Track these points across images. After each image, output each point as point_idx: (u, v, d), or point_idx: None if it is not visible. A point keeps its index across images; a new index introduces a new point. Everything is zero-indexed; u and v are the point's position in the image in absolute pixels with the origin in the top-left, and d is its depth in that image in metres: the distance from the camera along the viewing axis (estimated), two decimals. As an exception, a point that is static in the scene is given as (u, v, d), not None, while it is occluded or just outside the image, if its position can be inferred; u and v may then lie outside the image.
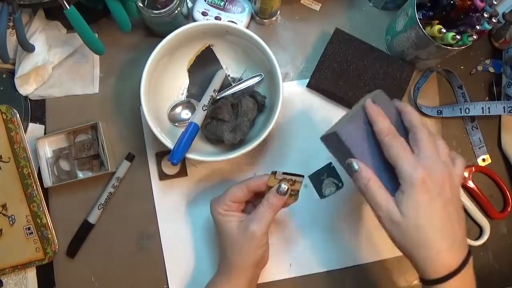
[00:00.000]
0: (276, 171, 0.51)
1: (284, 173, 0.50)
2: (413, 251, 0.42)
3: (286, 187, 0.49)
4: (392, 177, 0.44)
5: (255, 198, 0.54)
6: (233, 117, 0.59)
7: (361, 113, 0.46)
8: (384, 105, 0.47)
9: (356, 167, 0.44)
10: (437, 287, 0.41)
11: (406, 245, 0.42)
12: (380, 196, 0.42)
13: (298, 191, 0.52)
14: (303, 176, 0.51)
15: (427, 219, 0.41)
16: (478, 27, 0.53)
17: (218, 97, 0.61)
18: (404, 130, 0.46)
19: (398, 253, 0.61)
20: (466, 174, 0.63)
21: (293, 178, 0.51)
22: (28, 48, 0.59)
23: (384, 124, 0.44)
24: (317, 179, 0.58)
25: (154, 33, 0.64)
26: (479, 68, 0.66)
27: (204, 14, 0.64)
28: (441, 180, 0.41)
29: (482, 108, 0.62)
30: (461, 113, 0.63)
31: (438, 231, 0.41)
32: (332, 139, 0.47)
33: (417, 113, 0.46)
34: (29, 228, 0.59)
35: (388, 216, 0.42)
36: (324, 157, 0.62)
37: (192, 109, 0.62)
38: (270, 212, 0.49)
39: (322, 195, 0.59)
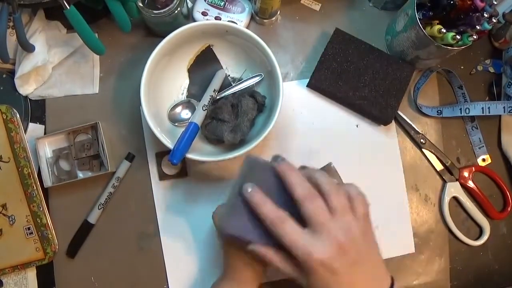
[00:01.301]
0: None
1: None
2: None
3: None
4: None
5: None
6: (233, 117, 0.59)
7: (240, 201, 0.42)
8: (258, 172, 0.43)
9: (256, 250, 0.41)
10: None
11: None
12: (285, 265, 0.40)
13: None
14: None
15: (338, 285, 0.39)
16: (478, 27, 0.53)
17: (218, 97, 0.61)
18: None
19: (398, 253, 0.62)
20: (466, 174, 0.63)
21: None
22: (28, 48, 0.59)
23: (268, 210, 0.40)
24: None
25: (154, 33, 0.64)
26: (479, 68, 0.66)
27: (204, 14, 0.64)
28: (341, 249, 0.38)
29: (482, 108, 0.62)
30: (461, 113, 0.63)
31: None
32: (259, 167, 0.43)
33: (298, 175, 0.41)
34: (29, 228, 0.59)
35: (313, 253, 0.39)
36: (324, 157, 0.63)
37: (192, 109, 0.62)
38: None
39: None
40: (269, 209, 0.40)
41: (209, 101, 0.59)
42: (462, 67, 0.66)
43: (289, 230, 0.39)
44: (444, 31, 0.53)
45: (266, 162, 0.43)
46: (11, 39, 0.61)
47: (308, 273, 0.39)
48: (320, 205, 0.40)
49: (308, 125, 0.64)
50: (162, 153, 0.62)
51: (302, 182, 0.40)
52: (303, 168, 0.45)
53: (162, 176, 0.62)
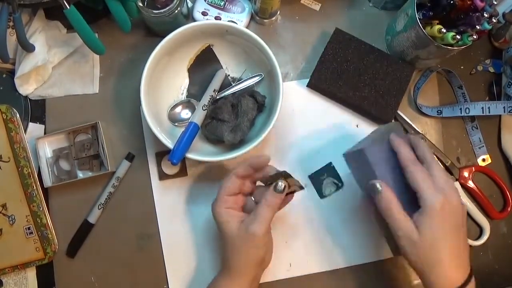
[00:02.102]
0: (275, 170, 0.51)
1: (283, 172, 0.50)
2: (425, 268, 0.45)
3: (283, 185, 0.49)
4: (409, 200, 0.47)
5: (253, 188, 0.54)
6: (233, 117, 0.59)
7: (384, 139, 0.50)
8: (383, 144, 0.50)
9: (379, 188, 0.47)
10: None
11: (420, 262, 0.45)
12: (400, 217, 0.46)
13: (294, 191, 0.52)
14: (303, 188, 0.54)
15: (442, 240, 0.45)
16: (478, 27, 0.53)
17: (218, 97, 0.61)
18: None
19: (398, 253, 0.61)
20: (466, 174, 0.63)
21: (289, 179, 0.50)
22: (28, 48, 0.59)
23: (408, 153, 0.48)
24: (317, 179, 0.59)
25: (154, 33, 0.64)
26: (479, 68, 0.66)
27: (204, 14, 0.64)
28: (455, 208, 0.46)
29: (482, 108, 0.62)
30: (461, 113, 0.63)
31: (449, 252, 0.45)
32: (356, 157, 0.50)
33: (429, 148, 0.49)
34: (29, 228, 0.59)
35: (407, 235, 0.45)
36: (324, 157, 0.63)
37: (192, 109, 0.62)
38: (268, 211, 0.49)
39: (322, 195, 0.59)
40: (408, 151, 0.48)
41: (209, 101, 0.59)
42: (462, 67, 0.66)
43: (422, 172, 0.46)
44: (444, 31, 0.53)
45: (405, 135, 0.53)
46: (11, 39, 0.61)
47: (428, 212, 0.44)
48: (446, 177, 0.47)
49: (308, 125, 0.64)
50: (162, 153, 0.62)
51: (408, 152, 0.48)
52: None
53: (162, 176, 0.62)
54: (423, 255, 0.45)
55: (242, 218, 0.50)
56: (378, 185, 0.47)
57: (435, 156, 0.62)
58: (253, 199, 0.54)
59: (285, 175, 0.50)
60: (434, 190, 0.45)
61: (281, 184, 0.49)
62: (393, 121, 0.61)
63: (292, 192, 0.52)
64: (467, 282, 0.45)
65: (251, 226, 0.48)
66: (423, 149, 0.49)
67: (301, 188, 0.53)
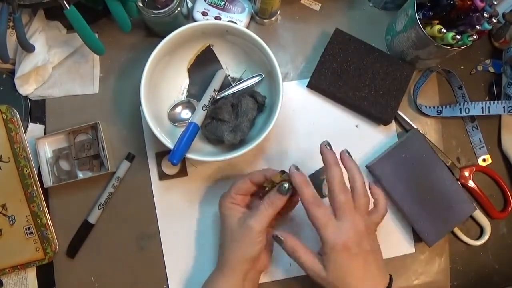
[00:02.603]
0: (284, 171, 0.51)
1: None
2: None
3: (287, 187, 0.49)
4: (423, 206, 0.58)
5: (261, 192, 0.55)
6: (233, 117, 0.59)
7: (394, 152, 0.60)
8: (417, 147, 0.60)
9: (281, 238, 0.49)
10: None
11: None
12: (307, 258, 0.48)
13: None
14: None
15: (349, 273, 0.47)
16: (478, 27, 0.53)
17: (218, 97, 0.61)
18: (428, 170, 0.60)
19: (398, 253, 0.62)
20: (466, 174, 0.63)
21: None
22: (28, 48, 0.59)
23: (308, 194, 0.48)
24: (317, 179, 0.59)
25: (154, 33, 0.64)
26: (479, 68, 0.66)
27: (204, 14, 0.64)
28: (359, 239, 0.47)
29: (482, 108, 0.62)
30: (461, 113, 0.63)
31: (359, 280, 0.47)
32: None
33: (338, 170, 0.49)
34: (29, 228, 0.59)
35: (315, 274, 0.48)
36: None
37: (192, 109, 0.62)
38: (269, 209, 0.50)
39: (321, 195, 0.60)
40: (309, 192, 0.48)
41: (209, 101, 0.59)
42: (462, 67, 0.66)
43: (323, 213, 0.47)
44: (444, 31, 0.53)
45: (428, 147, 0.61)
46: (11, 39, 0.61)
47: (330, 253, 0.46)
48: (349, 199, 0.48)
49: (308, 125, 0.64)
50: (162, 153, 0.62)
51: (340, 177, 0.49)
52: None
53: (162, 176, 0.62)
54: (326, 284, 0.47)
55: (243, 214, 0.52)
56: (279, 236, 0.49)
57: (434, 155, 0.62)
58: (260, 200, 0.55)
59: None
60: (334, 231, 0.46)
61: (285, 186, 0.50)
62: (414, 127, 0.63)
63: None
64: None
65: (249, 220, 0.50)
66: (330, 174, 0.49)
67: None
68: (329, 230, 0.46)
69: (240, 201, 0.54)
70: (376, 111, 0.61)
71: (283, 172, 0.51)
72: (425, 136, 0.62)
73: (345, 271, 0.46)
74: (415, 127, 0.64)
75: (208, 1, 0.64)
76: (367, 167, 0.61)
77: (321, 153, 0.50)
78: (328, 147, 0.50)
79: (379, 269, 0.48)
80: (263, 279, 0.60)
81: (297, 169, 0.49)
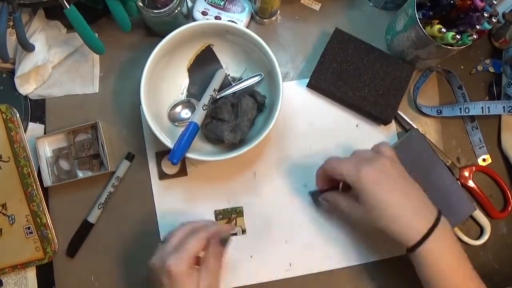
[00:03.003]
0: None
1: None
2: (388, 229, 0.48)
3: (228, 239, 0.55)
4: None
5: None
6: (233, 116, 0.59)
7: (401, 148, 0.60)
8: (417, 146, 0.61)
9: (323, 202, 0.56)
10: (418, 252, 0.47)
11: (381, 227, 0.48)
12: (344, 204, 0.52)
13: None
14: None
15: (384, 202, 0.47)
16: (478, 27, 0.53)
17: (218, 97, 0.61)
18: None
19: (398, 253, 0.62)
20: (466, 174, 0.63)
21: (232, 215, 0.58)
22: (28, 48, 0.59)
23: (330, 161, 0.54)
24: (317, 195, 0.60)
25: (154, 33, 0.64)
26: (479, 68, 0.66)
27: (204, 13, 0.64)
28: (380, 167, 0.49)
29: (482, 107, 0.62)
30: (460, 112, 0.63)
31: (397, 207, 0.47)
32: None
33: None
34: (29, 228, 0.59)
35: (357, 216, 0.50)
36: (324, 156, 0.62)
37: (192, 109, 0.62)
38: (216, 263, 0.49)
39: (318, 207, 0.61)
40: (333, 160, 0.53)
41: (209, 100, 0.59)
42: (462, 67, 0.66)
43: (336, 161, 0.52)
44: (444, 30, 0.53)
45: (428, 146, 0.61)
46: (11, 39, 0.61)
47: (357, 187, 0.48)
48: (360, 151, 0.54)
49: (308, 125, 0.64)
50: (162, 153, 0.62)
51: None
52: None
53: (162, 176, 0.62)
54: (380, 221, 0.48)
55: (198, 276, 0.47)
56: (322, 201, 0.56)
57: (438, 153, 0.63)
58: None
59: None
60: (352, 169, 0.49)
61: (227, 238, 0.54)
62: (414, 127, 0.64)
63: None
64: (433, 226, 0.47)
65: (168, 258, 0.45)
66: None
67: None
68: (346, 165, 0.50)
69: (194, 260, 0.48)
70: (376, 111, 0.61)
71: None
72: (425, 136, 0.62)
73: (380, 200, 0.47)
74: (415, 127, 0.64)
75: (208, 1, 0.64)
76: None
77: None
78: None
79: (417, 195, 0.49)
80: (264, 279, 0.60)
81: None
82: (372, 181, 0.48)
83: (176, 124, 0.61)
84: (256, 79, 0.61)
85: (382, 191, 0.48)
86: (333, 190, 0.56)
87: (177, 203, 0.62)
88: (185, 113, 0.62)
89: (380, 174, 0.48)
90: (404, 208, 0.47)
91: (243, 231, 0.61)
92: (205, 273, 0.47)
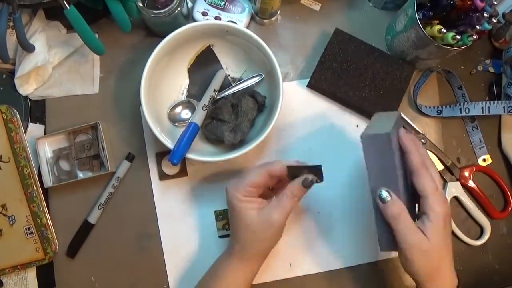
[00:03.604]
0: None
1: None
2: (430, 277, 0.46)
3: (312, 180, 0.49)
4: (409, 199, 0.48)
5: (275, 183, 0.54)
6: (233, 117, 0.59)
7: (396, 126, 0.48)
8: (396, 129, 0.49)
9: (388, 198, 0.46)
10: None
11: (425, 271, 0.46)
12: (410, 226, 0.45)
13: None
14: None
15: (446, 247, 0.46)
16: (478, 27, 0.53)
17: (218, 97, 0.61)
18: (400, 151, 0.48)
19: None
20: (467, 174, 0.63)
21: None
22: (28, 48, 0.59)
23: (419, 156, 0.46)
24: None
25: (154, 33, 0.64)
26: (479, 68, 0.66)
27: (204, 14, 0.64)
28: (449, 215, 0.47)
29: (482, 108, 0.62)
30: (461, 112, 0.63)
31: (449, 259, 0.47)
32: (376, 141, 0.46)
33: (417, 148, 0.48)
34: (29, 228, 0.59)
35: (418, 244, 0.45)
36: (324, 156, 0.62)
37: (192, 109, 0.62)
38: (292, 202, 0.49)
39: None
40: (420, 156, 0.46)
41: (209, 101, 0.59)
42: (462, 67, 0.66)
43: (431, 179, 0.46)
44: (444, 31, 0.53)
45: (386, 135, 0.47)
46: (11, 39, 0.61)
47: (436, 221, 0.45)
48: (440, 183, 0.48)
49: (308, 125, 0.64)
50: (162, 153, 0.62)
51: (420, 154, 0.47)
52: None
53: (162, 176, 0.62)
54: (430, 262, 0.45)
55: (261, 205, 0.51)
56: (385, 195, 0.46)
57: (434, 156, 0.63)
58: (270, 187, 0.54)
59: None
60: (440, 198, 0.46)
61: (310, 179, 0.49)
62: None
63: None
64: (459, 285, 0.47)
65: (273, 215, 0.49)
66: (425, 153, 0.49)
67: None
68: (437, 197, 0.45)
69: (254, 192, 0.51)
70: (376, 111, 0.61)
71: (306, 166, 0.50)
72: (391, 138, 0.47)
73: (443, 245, 0.46)
74: (415, 127, 0.64)
75: (208, 1, 0.64)
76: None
77: (402, 139, 0.48)
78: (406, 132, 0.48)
79: (452, 262, 0.48)
80: (264, 279, 0.60)
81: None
82: (446, 224, 0.46)
83: (176, 124, 0.61)
84: (256, 79, 0.61)
85: (447, 238, 0.46)
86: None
87: (177, 204, 0.62)
88: (185, 114, 0.62)
89: (448, 221, 0.47)
90: (449, 264, 0.47)
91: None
92: (271, 206, 0.50)
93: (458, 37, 0.53)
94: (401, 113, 0.64)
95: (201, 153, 0.57)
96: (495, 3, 0.52)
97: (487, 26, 0.53)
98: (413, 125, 0.64)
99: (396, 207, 0.45)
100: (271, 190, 0.55)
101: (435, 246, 0.45)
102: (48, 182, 0.60)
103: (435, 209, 0.45)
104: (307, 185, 0.49)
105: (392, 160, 0.46)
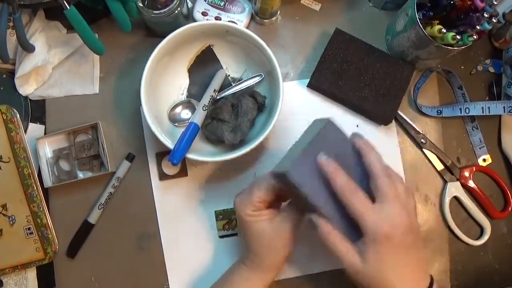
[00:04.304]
0: None
1: None
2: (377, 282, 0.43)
3: None
4: (350, 220, 0.44)
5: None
6: (233, 117, 0.59)
7: (316, 145, 0.45)
8: (334, 138, 0.46)
9: (316, 223, 0.45)
10: None
11: (369, 286, 0.44)
12: (341, 249, 0.44)
13: None
14: None
15: (390, 268, 0.43)
16: (478, 27, 0.53)
17: (218, 97, 0.61)
18: (358, 159, 0.46)
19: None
20: (467, 174, 0.63)
21: None
22: (28, 48, 0.59)
23: (342, 181, 0.43)
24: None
25: (154, 33, 0.64)
26: (479, 68, 0.66)
27: (204, 14, 0.64)
28: (403, 229, 0.43)
29: (482, 108, 0.62)
30: (461, 112, 0.63)
31: (401, 277, 0.43)
32: (283, 179, 0.45)
33: (376, 153, 0.46)
34: (29, 228, 0.59)
35: (351, 266, 0.43)
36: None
37: (192, 109, 0.62)
38: (301, 210, 0.49)
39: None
40: (343, 180, 0.43)
41: (209, 101, 0.59)
42: (462, 67, 0.66)
43: (360, 200, 0.43)
44: (444, 31, 0.53)
45: (345, 135, 0.47)
46: (11, 39, 0.61)
47: (371, 243, 0.42)
48: (392, 189, 0.44)
49: (308, 125, 0.63)
50: (162, 153, 0.62)
51: (380, 161, 0.45)
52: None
53: (162, 176, 0.62)
54: (370, 283, 0.43)
55: (271, 216, 0.50)
56: (313, 220, 0.45)
57: (434, 156, 0.62)
58: None
59: None
60: (374, 220, 0.42)
61: None
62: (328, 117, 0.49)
63: None
64: None
65: (286, 224, 0.49)
66: (368, 158, 0.45)
67: None
68: (370, 216, 0.42)
69: (262, 206, 0.50)
70: (377, 111, 0.61)
71: None
72: (334, 123, 0.48)
73: (385, 264, 0.42)
74: (415, 127, 0.64)
75: (208, 1, 0.64)
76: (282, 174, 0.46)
77: (354, 142, 0.47)
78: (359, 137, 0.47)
79: (420, 266, 0.45)
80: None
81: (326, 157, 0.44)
82: (394, 241, 0.42)
83: (176, 124, 0.61)
84: (256, 79, 0.61)
85: (392, 254, 0.43)
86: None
87: (177, 204, 0.62)
88: (185, 114, 0.62)
89: (399, 237, 0.43)
90: (406, 281, 0.44)
91: None
92: (281, 216, 0.50)
93: (458, 37, 0.53)
94: (401, 117, 0.63)
95: (201, 153, 0.57)
96: (495, 3, 0.52)
97: (487, 26, 0.53)
98: (413, 125, 0.64)
99: (323, 230, 0.44)
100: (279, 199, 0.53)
101: (372, 266, 0.42)
102: (48, 182, 0.60)
103: (369, 231, 0.42)
104: None
105: (302, 193, 0.44)
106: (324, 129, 0.46)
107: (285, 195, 0.53)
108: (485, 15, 0.52)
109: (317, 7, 0.67)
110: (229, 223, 0.61)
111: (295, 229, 0.50)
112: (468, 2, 0.52)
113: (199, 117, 0.57)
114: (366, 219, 0.42)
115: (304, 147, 0.45)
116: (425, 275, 0.46)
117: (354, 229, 0.44)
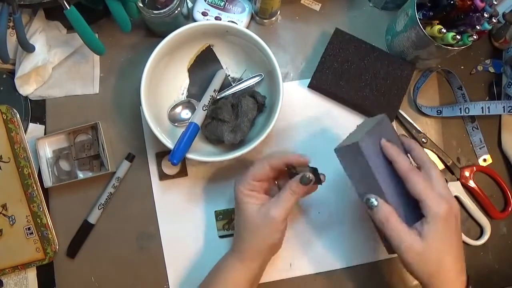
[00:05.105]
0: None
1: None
2: (432, 277, 0.45)
3: (310, 178, 0.49)
4: (405, 202, 0.47)
5: (280, 177, 0.54)
6: (233, 117, 0.59)
7: (375, 133, 0.48)
8: (387, 133, 0.50)
9: (375, 203, 0.46)
10: None
11: (425, 271, 0.45)
12: (401, 230, 0.45)
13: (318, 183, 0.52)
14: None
15: (447, 246, 0.45)
16: (478, 27, 0.53)
17: (218, 97, 0.61)
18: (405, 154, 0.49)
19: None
20: (467, 174, 0.63)
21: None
22: (28, 48, 0.59)
23: (404, 162, 0.46)
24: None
25: (154, 33, 0.64)
26: (479, 68, 0.66)
27: (204, 14, 0.64)
28: (455, 213, 0.46)
29: (482, 107, 0.62)
30: (460, 112, 0.63)
31: (454, 258, 0.45)
32: (349, 151, 0.48)
33: (424, 150, 0.49)
34: (29, 228, 0.59)
35: (411, 248, 0.44)
36: (324, 157, 0.62)
37: (192, 109, 0.62)
38: (291, 199, 0.50)
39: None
40: (406, 161, 0.46)
41: (209, 101, 0.59)
42: (462, 67, 0.66)
43: (423, 180, 0.45)
44: (444, 31, 0.53)
45: (395, 131, 0.52)
46: (11, 39, 0.61)
47: (433, 221, 0.44)
48: (443, 181, 0.47)
49: (308, 125, 0.64)
50: (162, 153, 0.62)
51: (405, 160, 0.47)
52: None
53: (162, 176, 0.62)
54: (429, 264, 0.44)
55: (263, 201, 0.51)
56: (372, 200, 0.46)
57: (435, 155, 0.63)
58: (276, 182, 0.55)
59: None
60: (437, 198, 0.45)
61: (308, 176, 0.49)
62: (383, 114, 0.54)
63: (316, 183, 0.52)
64: (467, 286, 0.46)
65: (272, 210, 0.50)
66: (420, 153, 0.49)
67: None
68: (432, 195, 0.44)
69: (258, 187, 0.52)
70: (378, 111, 0.61)
71: (306, 167, 0.51)
72: (388, 120, 0.52)
73: (444, 245, 0.44)
74: (417, 126, 0.64)
75: (208, 1, 0.64)
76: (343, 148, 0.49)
77: (402, 139, 0.51)
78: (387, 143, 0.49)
79: (462, 257, 0.46)
80: (264, 279, 0.60)
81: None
82: (449, 223, 0.45)
83: (176, 124, 0.61)
84: (256, 79, 0.61)
85: (452, 238, 0.45)
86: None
87: (177, 204, 0.62)
88: (185, 114, 0.62)
89: (454, 220, 0.45)
90: (454, 262, 0.45)
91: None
92: (271, 202, 0.50)
93: (458, 37, 0.53)
94: (402, 116, 0.64)
95: (201, 153, 0.57)
96: (495, 3, 0.52)
97: (487, 26, 0.53)
98: (415, 124, 0.64)
99: (383, 211, 0.45)
100: (277, 187, 0.55)
101: (432, 246, 0.44)
102: (48, 182, 0.60)
103: (431, 209, 0.44)
104: (305, 182, 0.49)
105: (367, 167, 0.46)
106: (382, 121, 0.50)
107: (279, 176, 0.54)
108: (485, 15, 0.52)
109: (317, 7, 0.67)
110: (229, 223, 0.61)
111: (282, 218, 0.50)
112: (468, 2, 0.52)
113: (199, 117, 0.57)
114: (430, 198, 0.44)
115: (368, 130, 0.48)
116: (465, 268, 0.47)
117: (409, 213, 0.46)
